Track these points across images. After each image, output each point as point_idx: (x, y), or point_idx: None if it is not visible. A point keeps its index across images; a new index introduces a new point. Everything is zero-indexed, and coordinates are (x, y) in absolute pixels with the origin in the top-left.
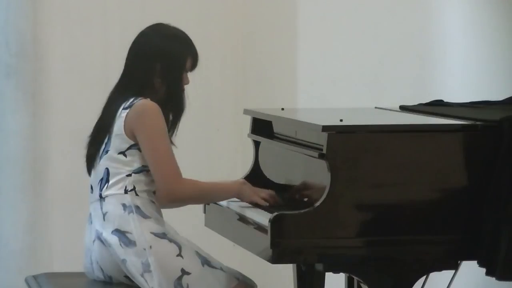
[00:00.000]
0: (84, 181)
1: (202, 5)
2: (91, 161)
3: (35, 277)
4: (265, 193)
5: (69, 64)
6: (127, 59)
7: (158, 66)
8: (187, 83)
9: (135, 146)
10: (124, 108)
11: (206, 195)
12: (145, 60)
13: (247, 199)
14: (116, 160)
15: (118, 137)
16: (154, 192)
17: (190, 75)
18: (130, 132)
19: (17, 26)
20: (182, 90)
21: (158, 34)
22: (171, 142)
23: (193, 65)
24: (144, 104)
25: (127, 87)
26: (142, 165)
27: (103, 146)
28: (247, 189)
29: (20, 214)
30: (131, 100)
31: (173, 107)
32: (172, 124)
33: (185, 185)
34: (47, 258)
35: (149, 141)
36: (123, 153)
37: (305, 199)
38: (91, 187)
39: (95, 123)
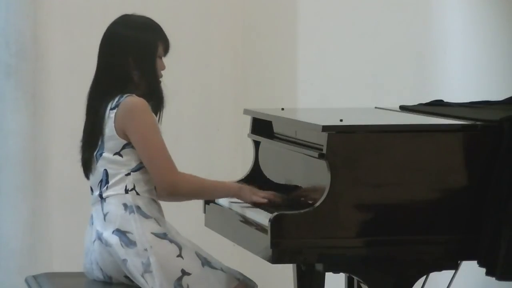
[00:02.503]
0: (84, 181)
1: (202, 5)
2: (87, 166)
3: (35, 277)
4: (265, 193)
5: (69, 64)
6: (98, 57)
7: (131, 58)
8: (163, 68)
9: (129, 145)
10: (111, 109)
11: (204, 190)
12: (117, 55)
13: (247, 199)
14: (113, 161)
15: (110, 138)
16: (155, 189)
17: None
18: (121, 132)
19: (17, 26)
20: (158, 77)
21: (124, 26)
22: None
23: (166, 50)
24: (131, 101)
25: (108, 85)
26: (140, 163)
27: (97, 149)
28: (247, 189)
29: (20, 214)
30: (116, 99)
31: (153, 97)
32: (154, 113)
33: (183, 178)
34: (47, 258)
35: (142, 138)
36: (118, 153)
37: (305, 199)
38: (91, 189)
39: (83, 126)
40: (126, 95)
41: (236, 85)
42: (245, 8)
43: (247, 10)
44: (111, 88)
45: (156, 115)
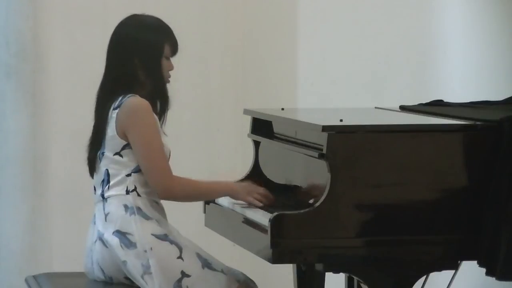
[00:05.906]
0: (84, 181)
1: (202, 5)
2: (92, 164)
3: (35, 277)
4: (259, 192)
5: (69, 64)
6: (107, 57)
7: (136, 58)
8: (171, 69)
9: (129, 145)
10: (114, 108)
11: (198, 193)
12: (123, 55)
13: (241, 199)
14: (113, 161)
15: (112, 138)
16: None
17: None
18: (122, 132)
19: (17, 26)
20: (163, 78)
21: (130, 26)
22: (162, 132)
23: (173, 50)
24: (133, 101)
25: (114, 85)
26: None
27: (100, 148)
28: (241, 189)
29: (20, 214)
30: (119, 98)
31: (158, 96)
32: (160, 114)
33: (177, 183)
34: (47, 258)
35: (141, 138)
36: (118, 153)
37: (305, 199)
38: (94, 188)
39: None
40: (129, 95)
41: (236, 85)
42: (245, 8)
43: (247, 10)
44: (117, 88)
45: (161, 116)
